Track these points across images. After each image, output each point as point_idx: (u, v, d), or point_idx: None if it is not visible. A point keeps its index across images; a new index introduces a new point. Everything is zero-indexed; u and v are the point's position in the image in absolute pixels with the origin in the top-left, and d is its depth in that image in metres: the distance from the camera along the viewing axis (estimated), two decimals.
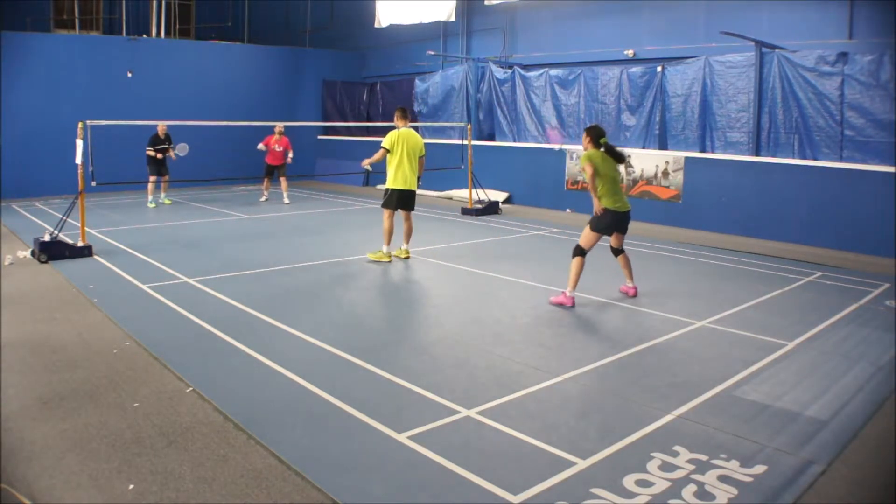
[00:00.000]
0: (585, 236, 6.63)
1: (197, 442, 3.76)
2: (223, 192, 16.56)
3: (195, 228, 11.19)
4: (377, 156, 8.39)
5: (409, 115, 8.75)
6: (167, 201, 14.14)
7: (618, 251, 6.94)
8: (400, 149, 8.31)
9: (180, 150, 13.30)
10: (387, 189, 8.50)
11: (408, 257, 8.71)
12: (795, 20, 11.69)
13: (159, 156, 13.23)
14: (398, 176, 8.37)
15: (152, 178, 13.31)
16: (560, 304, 6.57)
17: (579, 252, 6.60)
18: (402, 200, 8.49)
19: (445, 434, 3.85)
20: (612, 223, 6.62)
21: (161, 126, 13.18)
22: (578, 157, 13.83)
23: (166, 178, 13.67)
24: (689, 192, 12.02)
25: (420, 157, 8.52)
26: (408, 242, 8.79)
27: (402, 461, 3.56)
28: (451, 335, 5.81)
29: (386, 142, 8.33)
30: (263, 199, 14.67)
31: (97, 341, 5.45)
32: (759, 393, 4.54)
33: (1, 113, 14.56)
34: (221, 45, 18.74)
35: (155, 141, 13.22)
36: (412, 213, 8.73)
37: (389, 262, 8.38)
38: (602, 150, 6.56)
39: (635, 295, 6.96)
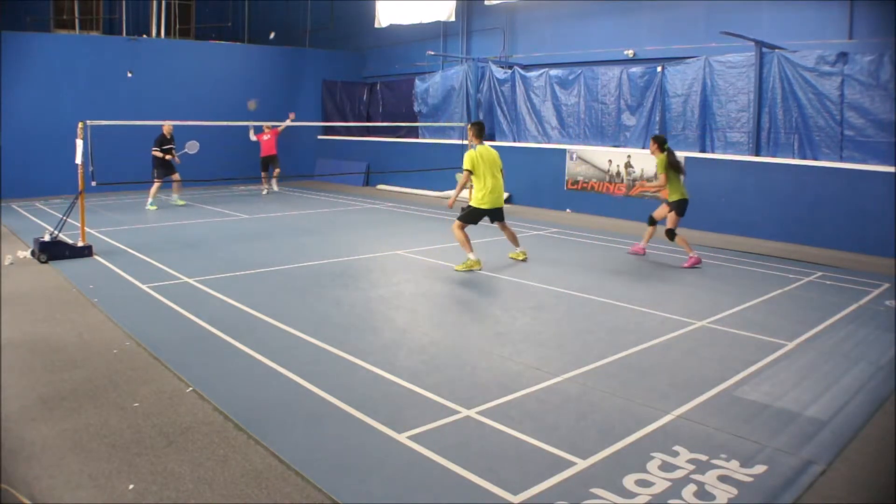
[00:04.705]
0: (672, 219, 8.69)
1: (197, 442, 3.76)
2: (223, 192, 16.57)
3: (195, 228, 11.19)
4: (463, 180, 8.15)
5: (485, 131, 8.43)
6: (180, 202, 13.84)
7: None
8: (482, 168, 8.04)
9: (190, 147, 13.19)
10: (470, 206, 8.25)
11: (525, 259, 8.62)
12: (795, 20, 11.70)
13: (167, 157, 13.05)
14: (485, 195, 8.08)
15: (157, 181, 13.11)
16: (695, 265, 8.47)
17: (672, 234, 8.68)
18: (489, 215, 8.29)
19: (445, 434, 3.85)
20: (685, 207, 8.81)
21: (167, 126, 13.01)
22: (579, 157, 13.86)
23: (177, 178, 13.46)
24: (688, 192, 11.97)
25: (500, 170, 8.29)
26: (518, 245, 8.68)
27: (402, 461, 3.56)
28: (452, 335, 5.80)
29: (466, 163, 8.07)
30: (265, 192, 14.77)
31: (97, 341, 5.45)
32: (759, 393, 4.54)
33: (1, 113, 14.55)
34: (221, 45, 18.74)
35: (161, 141, 13.04)
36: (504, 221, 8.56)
37: (480, 268, 7.99)
38: (665, 154, 8.58)
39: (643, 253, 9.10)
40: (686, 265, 8.52)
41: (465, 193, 9.81)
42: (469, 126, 8.43)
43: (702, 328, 6.01)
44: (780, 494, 3.30)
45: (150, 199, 13.32)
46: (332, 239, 10.44)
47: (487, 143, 8.45)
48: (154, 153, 13.09)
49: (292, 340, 5.49)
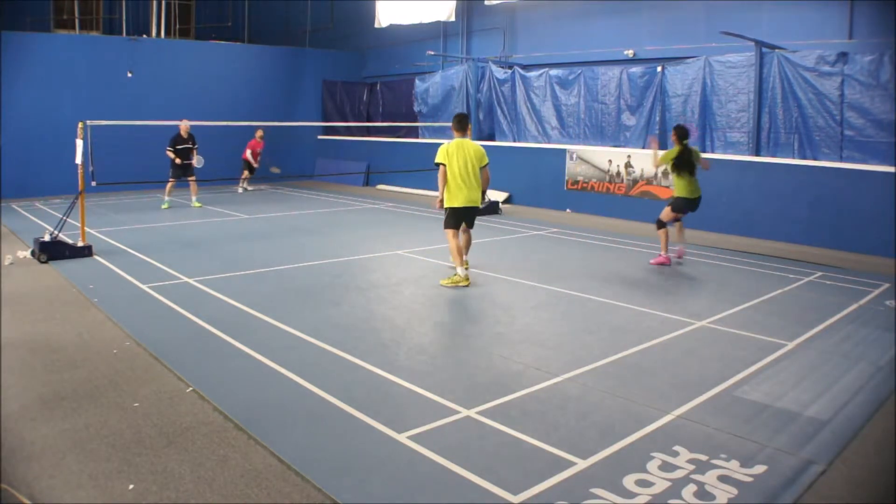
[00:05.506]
0: (665, 212, 8.65)
1: (197, 442, 3.76)
2: (223, 192, 16.56)
3: (195, 228, 11.19)
4: (440, 175, 7.35)
5: (467, 123, 7.63)
6: (197, 204, 13.51)
7: (677, 220, 8.83)
8: (454, 161, 7.29)
9: (196, 162, 13.09)
10: (446, 208, 7.48)
11: (467, 268, 7.63)
12: (795, 20, 11.70)
13: (178, 160, 12.82)
14: (455, 193, 7.34)
15: (171, 180, 12.97)
16: (660, 264, 8.50)
17: (660, 224, 8.65)
18: (464, 216, 7.54)
19: (445, 434, 3.85)
20: (686, 206, 8.53)
21: (184, 125, 12.80)
22: (579, 157, 13.86)
23: (193, 178, 13.23)
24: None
25: (482, 167, 7.47)
26: (466, 254, 7.80)
27: (402, 461, 3.56)
28: (452, 335, 5.80)
29: (438, 156, 7.35)
30: (243, 189, 16.35)
31: (97, 341, 5.45)
32: (759, 393, 4.54)
33: (1, 113, 14.55)
34: (221, 45, 18.74)
35: (176, 141, 12.81)
36: (471, 227, 7.78)
37: (467, 285, 7.38)
38: (681, 148, 8.36)
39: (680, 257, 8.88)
40: (653, 262, 8.64)
41: None
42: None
43: (702, 328, 6.01)
44: (780, 494, 3.30)
45: (165, 198, 13.39)
46: (332, 239, 10.44)
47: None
48: (167, 152, 12.91)
49: (292, 340, 5.49)
